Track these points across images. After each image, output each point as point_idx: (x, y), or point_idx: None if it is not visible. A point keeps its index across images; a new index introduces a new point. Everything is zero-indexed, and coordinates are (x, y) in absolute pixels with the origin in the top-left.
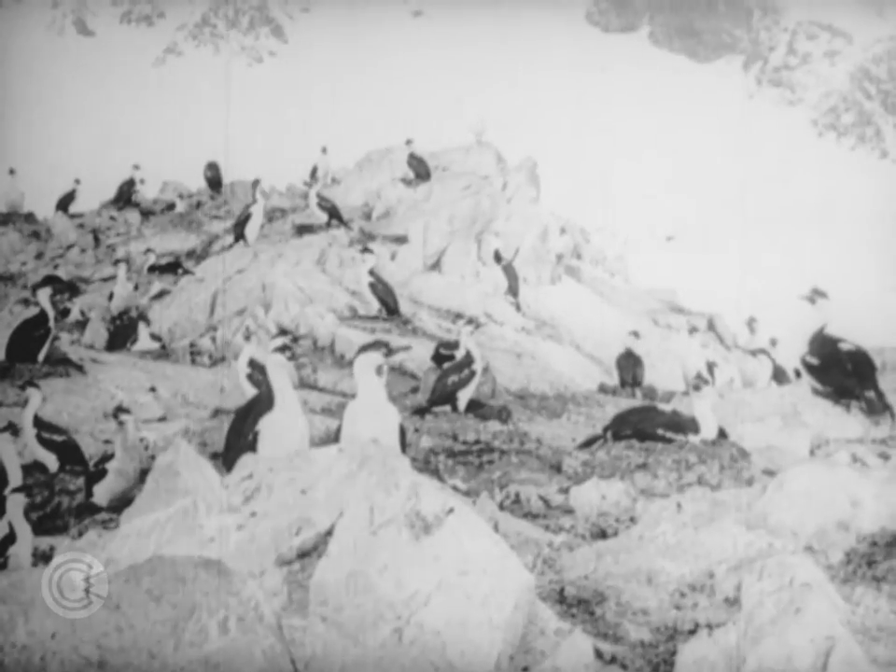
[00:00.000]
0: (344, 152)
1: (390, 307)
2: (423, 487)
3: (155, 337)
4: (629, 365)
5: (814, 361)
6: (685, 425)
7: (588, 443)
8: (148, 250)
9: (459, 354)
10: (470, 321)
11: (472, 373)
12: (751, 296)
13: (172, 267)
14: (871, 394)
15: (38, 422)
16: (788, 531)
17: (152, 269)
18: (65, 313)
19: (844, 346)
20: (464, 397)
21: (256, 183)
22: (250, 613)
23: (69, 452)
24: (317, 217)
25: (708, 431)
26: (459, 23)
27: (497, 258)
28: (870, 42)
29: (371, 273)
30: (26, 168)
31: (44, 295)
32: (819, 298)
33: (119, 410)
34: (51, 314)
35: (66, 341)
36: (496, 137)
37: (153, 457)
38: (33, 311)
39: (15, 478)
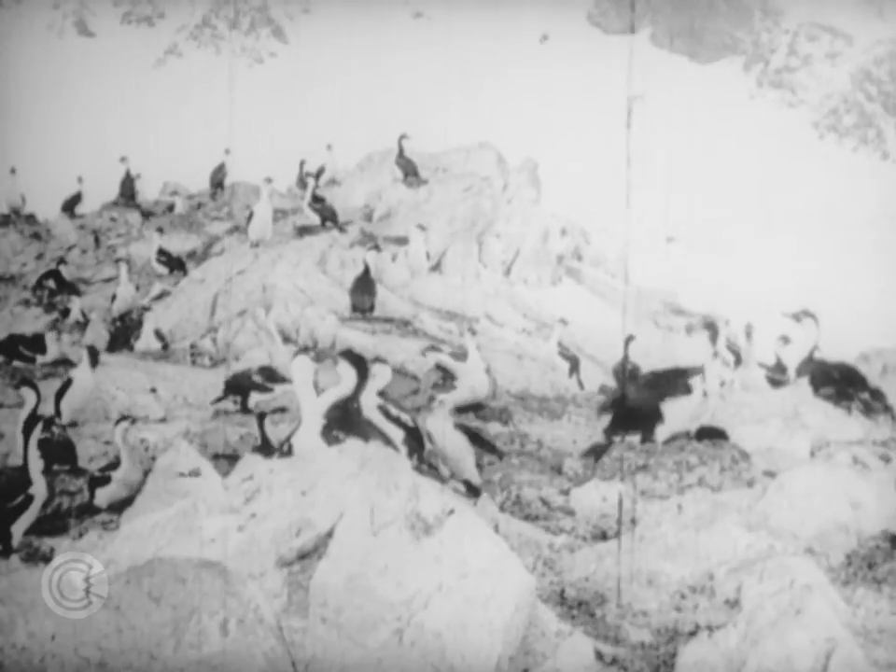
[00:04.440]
0: (345, 153)
1: (363, 307)
2: (423, 488)
3: (159, 336)
4: (623, 372)
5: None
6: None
7: (595, 451)
8: (159, 228)
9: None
10: (469, 329)
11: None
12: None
13: (177, 262)
14: (865, 395)
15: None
16: (788, 533)
17: (160, 253)
18: (66, 313)
19: (829, 361)
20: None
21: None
22: (250, 615)
23: (54, 449)
24: (310, 218)
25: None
26: (459, 25)
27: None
28: (871, 43)
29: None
30: (26, 169)
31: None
32: (806, 318)
33: (123, 418)
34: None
35: (67, 341)
36: (496, 138)
37: (153, 459)
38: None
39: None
